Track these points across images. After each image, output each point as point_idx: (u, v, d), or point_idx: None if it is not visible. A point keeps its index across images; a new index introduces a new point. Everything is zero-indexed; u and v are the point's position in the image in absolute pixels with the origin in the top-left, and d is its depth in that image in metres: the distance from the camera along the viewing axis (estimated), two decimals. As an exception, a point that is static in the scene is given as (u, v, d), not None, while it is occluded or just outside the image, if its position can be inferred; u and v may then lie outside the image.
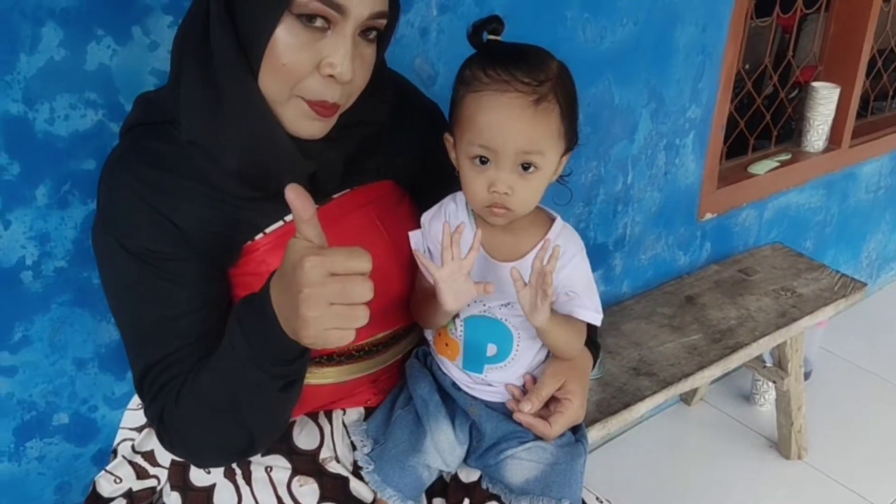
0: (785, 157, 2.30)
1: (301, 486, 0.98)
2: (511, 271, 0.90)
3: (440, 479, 1.04)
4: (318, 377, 0.98)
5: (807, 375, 2.37)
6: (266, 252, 0.91)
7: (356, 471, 1.01)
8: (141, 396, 0.92)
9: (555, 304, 0.94)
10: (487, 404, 1.01)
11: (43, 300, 1.12)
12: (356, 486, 1.00)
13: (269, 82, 0.82)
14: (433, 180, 1.02)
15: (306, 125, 0.86)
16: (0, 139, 1.01)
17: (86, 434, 1.23)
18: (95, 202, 0.91)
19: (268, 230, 0.92)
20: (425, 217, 1.00)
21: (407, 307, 1.02)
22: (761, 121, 2.28)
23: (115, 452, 1.06)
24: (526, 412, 0.98)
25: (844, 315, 2.32)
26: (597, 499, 1.09)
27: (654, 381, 1.68)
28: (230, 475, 0.99)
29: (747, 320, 1.91)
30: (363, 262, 0.70)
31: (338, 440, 1.03)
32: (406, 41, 1.35)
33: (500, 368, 1.00)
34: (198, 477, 0.99)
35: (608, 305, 1.94)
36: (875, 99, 2.69)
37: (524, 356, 1.00)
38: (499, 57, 0.87)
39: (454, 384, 1.03)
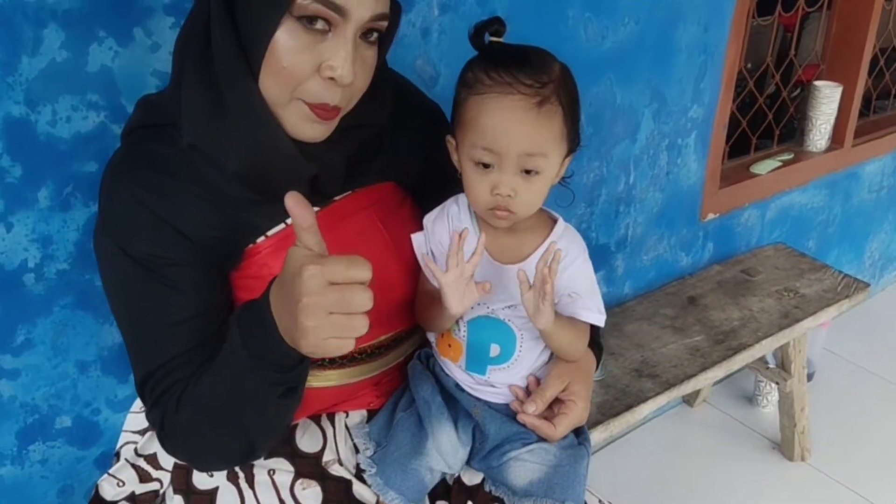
0: (787, 156, 2.30)
1: (304, 489, 0.98)
2: (518, 273, 0.90)
3: (443, 481, 1.04)
4: (321, 380, 0.98)
5: (810, 377, 2.37)
6: (268, 255, 0.91)
7: (359, 474, 1.01)
8: (142, 401, 0.92)
9: (557, 306, 0.94)
10: (491, 405, 1.01)
11: (45, 303, 1.11)
12: (359, 489, 1.00)
13: (270, 85, 0.82)
14: (435, 181, 1.01)
15: (307, 128, 0.85)
16: (2, 141, 1.01)
17: (88, 437, 1.23)
18: (97, 205, 0.91)
19: (270, 233, 0.91)
20: (428, 219, 0.99)
21: (409, 309, 1.02)
22: (763, 120, 2.28)
23: (117, 455, 1.06)
24: (530, 413, 0.97)
25: (848, 316, 2.31)
26: (599, 501, 1.09)
27: (657, 383, 1.67)
28: (233, 478, 0.99)
29: (750, 321, 1.91)
30: (363, 271, 0.69)
31: (340, 443, 1.03)
32: (407, 41, 1.35)
33: (503, 369, 1.00)
34: (201, 480, 0.99)
35: (610, 306, 1.93)
36: (877, 98, 2.69)
37: (527, 357, 1.00)
38: (501, 59, 0.87)
39: (457, 385, 1.02)
